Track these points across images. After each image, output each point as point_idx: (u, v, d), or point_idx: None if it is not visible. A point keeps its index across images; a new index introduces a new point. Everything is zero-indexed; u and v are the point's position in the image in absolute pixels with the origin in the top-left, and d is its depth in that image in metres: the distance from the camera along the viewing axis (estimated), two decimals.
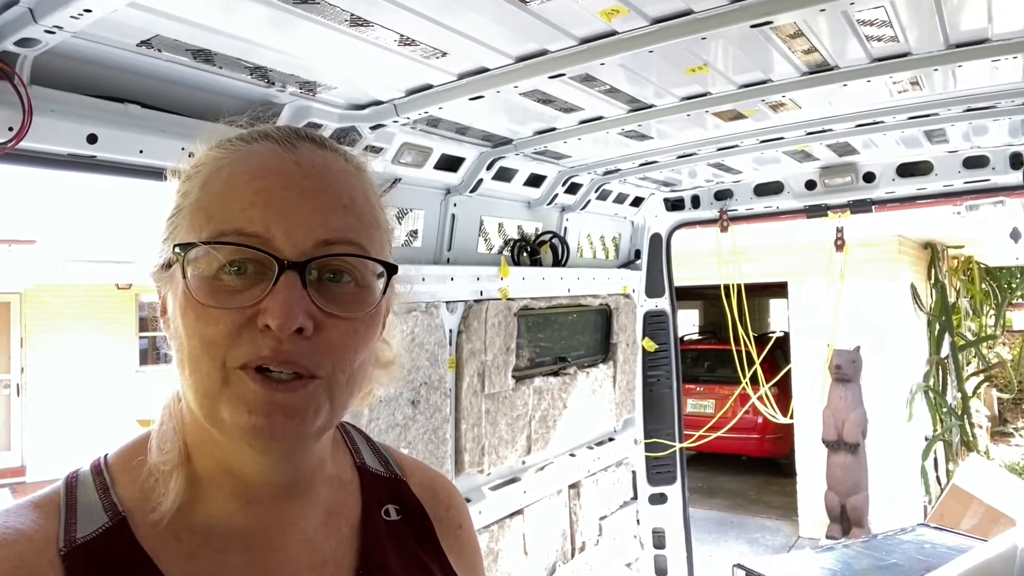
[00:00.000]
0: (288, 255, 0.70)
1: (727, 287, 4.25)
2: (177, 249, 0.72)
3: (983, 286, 11.83)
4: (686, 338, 13.29)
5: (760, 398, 4.47)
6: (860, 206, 3.48)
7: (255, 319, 0.70)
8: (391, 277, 0.78)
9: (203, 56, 1.65)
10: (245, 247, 0.70)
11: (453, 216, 2.86)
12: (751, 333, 4.56)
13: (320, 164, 0.76)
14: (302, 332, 0.70)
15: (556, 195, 3.28)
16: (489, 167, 2.77)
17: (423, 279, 2.67)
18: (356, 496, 0.90)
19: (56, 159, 1.67)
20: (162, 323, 0.80)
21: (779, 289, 9.20)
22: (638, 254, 4.16)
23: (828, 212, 3.58)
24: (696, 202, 3.90)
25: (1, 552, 0.68)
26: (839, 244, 3.85)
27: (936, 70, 2.06)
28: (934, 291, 9.66)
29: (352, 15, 1.54)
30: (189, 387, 0.73)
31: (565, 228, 3.57)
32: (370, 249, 0.76)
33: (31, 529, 0.71)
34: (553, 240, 3.45)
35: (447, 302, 2.81)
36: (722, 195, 3.78)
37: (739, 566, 4.10)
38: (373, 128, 2.20)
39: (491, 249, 3.18)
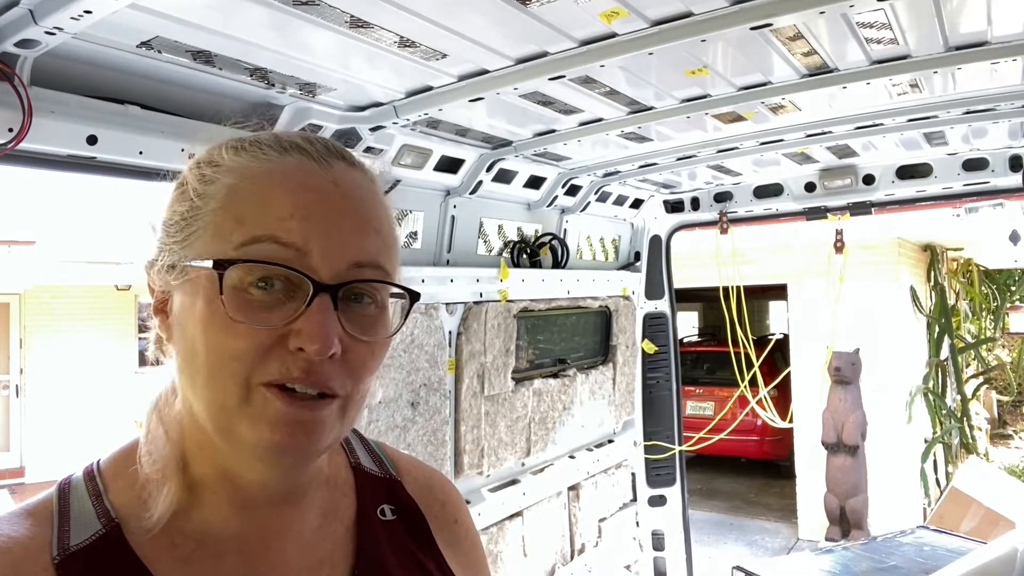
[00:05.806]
0: (322, 276, 0.70)
1: (726, 289, 4.25)
2: (208, 263, 0.70)
3: (982, 288, 11.84)
4: (685, 340, 13.29)
5: (759, 402, 4.47)
6: (860, 208, 3.48)
7: (285, 339, 0.70)
8: (412, 304, 0.79)
9: (203, 57, 1.65)
10: (283, 267, 0.69)
11: (453, 218, 2.86)
12: (750, 335, 4.56)
13: (354, 185, 0.76)
14: (332, 356, 0.70)
15: (556, 197, 3.28)
16: (489, 169, 2.77)
17: (423, 281, 2.67)
18: (351, 497, 0.90)
19: (56, 160, 1.66)
20: (156, 323, 0.78)
21: (779, 291, 9.20)
22: (638, 256, 4.15)
23: (828, 214, 3.58)
24: (696, 204, 3.90)
25: None
26: (838, 246, 3.85)
27: (936, 72, 2.06)
28: (933, 293, 9.66)
29: (352, 16, 1.54)
30: (201, 399, 0.72)
31: (565, 230, 3.57)
32: (391, 272, 0.77)
33: (25, 537, 0.71)
34: (553, 242, 3.45)
35: (447, 304, 2.81)
36: (722, 197, 3.78)
37: (738, 568, 4.10)
38: (373, 130, 2.20)
39: (491, 251, 3.18)
